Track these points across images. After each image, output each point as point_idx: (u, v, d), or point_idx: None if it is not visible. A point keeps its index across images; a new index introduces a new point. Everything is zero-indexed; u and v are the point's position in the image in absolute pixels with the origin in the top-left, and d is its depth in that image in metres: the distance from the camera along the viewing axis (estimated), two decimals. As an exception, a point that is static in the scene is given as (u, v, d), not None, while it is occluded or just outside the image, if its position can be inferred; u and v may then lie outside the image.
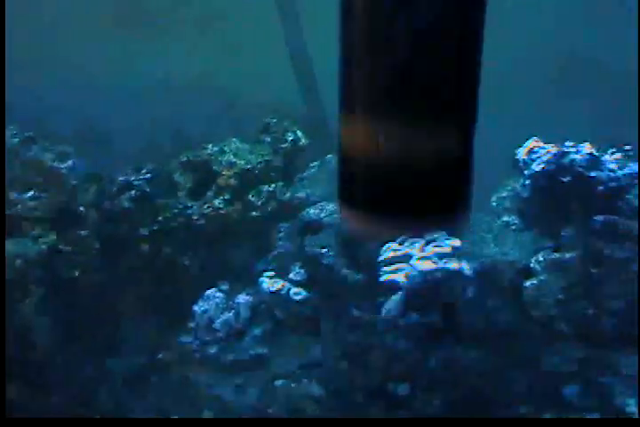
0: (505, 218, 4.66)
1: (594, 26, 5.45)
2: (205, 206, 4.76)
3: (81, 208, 4.77)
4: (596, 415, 4.03)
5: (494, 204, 4.81)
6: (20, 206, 4.60)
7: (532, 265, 4.16)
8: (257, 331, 4.58)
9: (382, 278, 3.98)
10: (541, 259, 4.15)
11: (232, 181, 4.79)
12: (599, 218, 4.09)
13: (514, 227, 4.56)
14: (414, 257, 3.93)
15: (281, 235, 4.72)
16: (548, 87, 5.71)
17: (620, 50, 5.45)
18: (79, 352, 4.79)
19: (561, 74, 5.70)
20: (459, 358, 4.34)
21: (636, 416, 3.97)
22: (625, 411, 4.00)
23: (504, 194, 4.80)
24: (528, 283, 4.14)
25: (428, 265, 3.89)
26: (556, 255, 4.15)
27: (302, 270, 4.49)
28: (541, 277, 4.13)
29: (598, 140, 4.40)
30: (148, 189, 4.85)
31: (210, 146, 4.95)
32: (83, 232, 4.72)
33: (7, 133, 4.67)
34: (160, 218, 4.77)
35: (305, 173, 4.89)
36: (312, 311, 4.49)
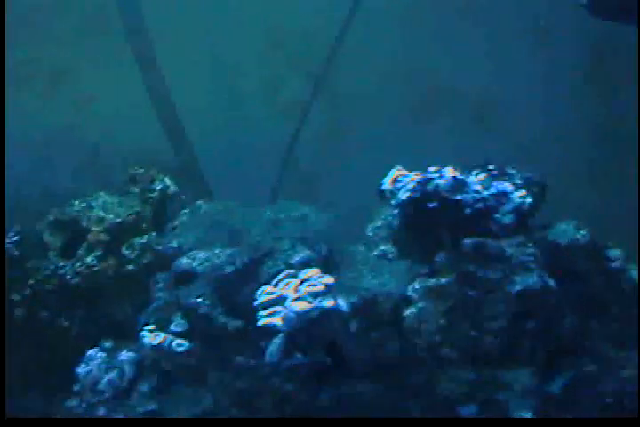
0: (382, 247, 4.66)
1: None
2: (78, 265, 4.65)
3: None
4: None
5: (370, 234, 4.80)
6: None
7: (408, 293, 4.16)
8: (144, 387, 4.47)
9: (259, 323, 3.92)
10: (417, 286, 4.15)
11: (103, 237, 4.70)
12: (468, 241, 4.12)
13: (390, 256, 4.56)
14: (289, 299, 3.88)
15: (159, 286, 4.64)
16: (407, 115, 5.77)
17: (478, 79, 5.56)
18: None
19: (420, 102, 5.76)
20: (350, 394, 4.31)
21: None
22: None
23: (379, 223, 4.81)
24: (407, 312, 4.13)
25: (302, 305, 3.86)
26: (432, 281, 4.15)
27: (183, 321, 4.41)
28: (420, 305, 4.12)
29: (461, 164, 4.45)
30: (17, 253, 4.72)
31: (77, 202, 4.84)
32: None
33: None
34: (32, 281, 4.64)
35: (176, 222, 4.82)
36: (197, 362, 4.41)
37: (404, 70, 5.62)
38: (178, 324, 4.41)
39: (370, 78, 5.63)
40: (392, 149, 5.57)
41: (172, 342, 4.37)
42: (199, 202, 4.91)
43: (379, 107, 5.62)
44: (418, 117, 5.72)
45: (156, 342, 4.37)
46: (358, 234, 4.86)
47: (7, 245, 4.69)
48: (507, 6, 5.78)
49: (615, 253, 4.42)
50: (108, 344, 4.63)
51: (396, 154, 5.16)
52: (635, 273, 4.44)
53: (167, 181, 5.01)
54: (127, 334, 4.67)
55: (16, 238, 4.75)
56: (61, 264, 4.68)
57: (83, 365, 4.49)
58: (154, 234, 4.80)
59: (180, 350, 4.34)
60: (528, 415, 4.03)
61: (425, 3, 5.63)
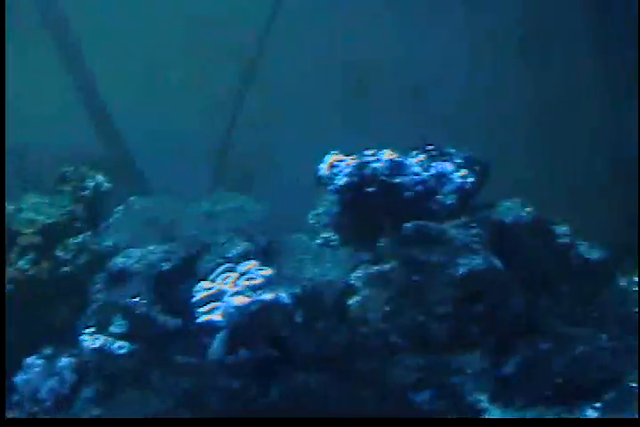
0: (324, 235, 4.54)
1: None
2: (11, 270, 4.49)
3: None
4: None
5: (312, 221, 4.69)
6: None
7: (352, 282, 4.06)
8: (87, 393, 4.33)
9: (199, 320, 3.80)
10: (360, 274, 4.06)
11: (35, 239, 4.53)
12: (409, 225, 4.02)
13: (332, 244, 4.45)
14: (227, 293, 3.77)
15: (97, 287, 4.49)
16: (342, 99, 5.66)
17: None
18: None
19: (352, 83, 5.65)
20: (300, 386, 4.21)
21: (489, 412, 3.93)
22: (479, 407, 3.95)
23: (320, 210, 4.69)
24: (352, 300, 4.03)
25: (242, 300, 3.74)
26: (375, 268, 4.06)
27: (123, 322, 4.27)
28: (364, 293, 4.02)
29: (400, 145, 4.35)
30: (-56, 261, 4.54)
31: (6, 205, 4.67)
32: None
33: None
34: (-37, 289, 4.47)
35: (110, 220, 4.68)
36: (140, 363, 4.27)
37: (330, 56, 5.50)
38: (117, 325, 4.27)
39: (299, 65, 5.50)
40: (328, 136, 5.47)
41: (112, 344, 4.22)
42: (133, 198, 4.76)
43: (311, 93, 5.50)
44: (349, 101, 5.61)
45: (96, 345, 4.22)
46: (300, 222, 4.75)
47: None
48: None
49: (563, 229, 4.36)
50: (48, 351, 4.48)
51: (333, 140, 5.08)
52: (583, 248, 4.38)
53: (99, 177, 4.85)
54: (67, 339, 4.52)
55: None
56: (-7, 270, 4.51)
57: (21, 373, 4.34)
58: (89, 233, 4.65)
59: (121, 352, 4.20)
60: (484, 398, 3.96)
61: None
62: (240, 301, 3.73)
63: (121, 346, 4.22)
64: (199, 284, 3.90)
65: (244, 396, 4.11)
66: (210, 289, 3.83)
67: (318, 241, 4.53)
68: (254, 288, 3.79)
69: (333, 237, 4.48)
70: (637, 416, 3.68)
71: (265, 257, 4.14)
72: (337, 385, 4.12)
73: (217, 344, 3.89)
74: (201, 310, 3.81)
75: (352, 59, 5.54)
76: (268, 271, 3.87)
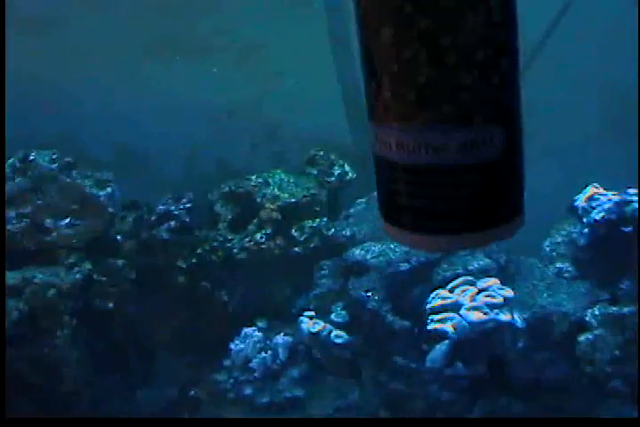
0: (558, 264, 4.44)
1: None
2: (246, 240, 4.59)
3: (118, 237, 4.63)
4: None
5: (547, 249, 4.59)
6: (55, 234, 4.46)
7: (587, 318, 3.95)
8: (294, 372, 4.40)
9: (429, 327, 3.78)
10: (597, 312, 3.95)
11: (275, 215, 4.62)
12: (661, 272, 3.89)
13: (567, 275, 4.34)
14: (464, 306, 3.73)
15: (323, 273, 4.54)
16: (598, 127, 5.48)
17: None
18: (109, 385, 4.65)
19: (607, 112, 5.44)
20: (504, 411, 4.15)
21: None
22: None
23: (558, 239, 4.58)
24: (582, 337, 3.93)
25: (478, 315, 3.70)
26: (614, 309, 3.94)
27: (344, 312, 4.31)
28: (596, 332, 3.92)
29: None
30: (187, 220, 4.69)
31: (253, 177, 4.77)
32: (119, 262, 4.58)
33: (46, 158, 4.54)
34: (199, 251, 4.61)
35: (351, 210, 4.70)
36: (352, 355, 4.31)
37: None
38: (339, 314, 4.31)
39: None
40: (581, 163, 5.32)
41: (330, 331, 4.27)
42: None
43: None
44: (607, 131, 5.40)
45: (314, 329, 4.28)
46: (532, 246, 4.65)
47: (179, 211, 4.67)
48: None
49: None
50: (262, 324, 4.58)
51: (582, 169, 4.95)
52: None
53: (346, 167, 4.89)
54: (282, 317, 4.61)
55: (188, 205, 4.72)
56: (230, 237, 4.63)
57: (237, 341, 4.45)
58: (325, 219, 4.70)
59: (338, 341, 4.24)
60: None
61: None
62: (477, 316, 3.69)
63: (338, 335, 4.26)
64: (436, 291, 3.87)
65: (449, 409, 4.09)
66: (446, 298, 3.80)
67: (552, 269, 4.43)
68: (492, 306, 3.73)
69: (568, 268, 4.37)
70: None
71: (502, 275, 4.08)
72: (537, 417, 4.05)
73: (438, 354, 3.86)
74: (434, 317, 3.78)
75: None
76: (508, 291, 3.81)
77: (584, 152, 5.46)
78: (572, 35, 5.33)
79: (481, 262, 4.09)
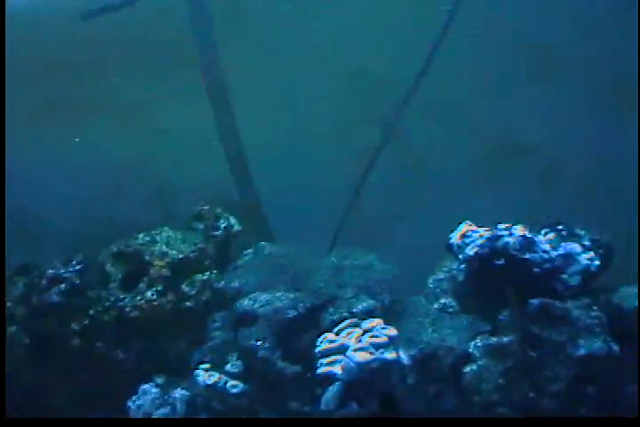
0: (442, 300, 4.61)
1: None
2: (138, 298, 4.65)
3: (8, 304, 4.64)
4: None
5: (431, 286, 4.76)
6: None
7: (470, 350, 4.12)
8: (194, 425, 4.44)
9: (319, 371, 3.89)
10: (480, 344, 4.11)
11: (164, 272, 4.70)
12: (535, 301, 4.08)
13: (451, 309, 4.52)
14: (350, 348, 3.86)
15: (216, 325, 4.62)
16: (476, 169, 5.73)
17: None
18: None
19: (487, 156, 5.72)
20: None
21: None
22: None
23: (441, 276, 4.76)
24: (468, 368, 4.09)
25: (364, 356, 3.83)
26: (494, 340, 4.11)
27: (238, 362, 4.39)
28: (480, 363, 4.08)
29: (530, 222, 4.41)
30: (77, 282, 4.73)
31: (141, 235, 4.86)
32: (12, 328, 4.60)
33: None
34: (91, 312, 4.65)
35: (239, 262, 4.82)
36: (250, 404, 4.38)
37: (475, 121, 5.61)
38: (234, 365, 4.39)
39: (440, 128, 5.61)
40: (461, 201, 5.56)
41: (226, 382, 4.34)
42: (263, 243, 4.90)
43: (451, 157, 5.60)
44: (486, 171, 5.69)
45: (210, 381, 4.35)
46: (417, 284, 4.82)
47: (69, 274, 4.71)
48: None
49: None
50: (160, 380, 4.61)
51: (467, 206, 5.17)
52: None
53: (232, 219, 5.01)
54: (179, 371, 4.65)
55: (78, 267, 4.77)
56: (122, 296, 4.68)
57: (135, 398, 4.48)
58: (215, 272, 4.80)
59: (234, 391, 4.31)
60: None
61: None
62: (363, 357, 3.81)
63: (234, 385, 4.34)
64: (323, 335, 3.99)
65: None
66: (334, 342, 3.92)
67: (436, 306, 4.59)
68: (377, 346, 3.87)
69: (452, 303, 4.55)
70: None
71: (387, 315, 4.23)
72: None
73: (331, 396, 3.96)
74: (322, 360, 3.89)
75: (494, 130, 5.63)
76: (391, 330, 3.95)
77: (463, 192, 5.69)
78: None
79: (364, 304, 4.24)
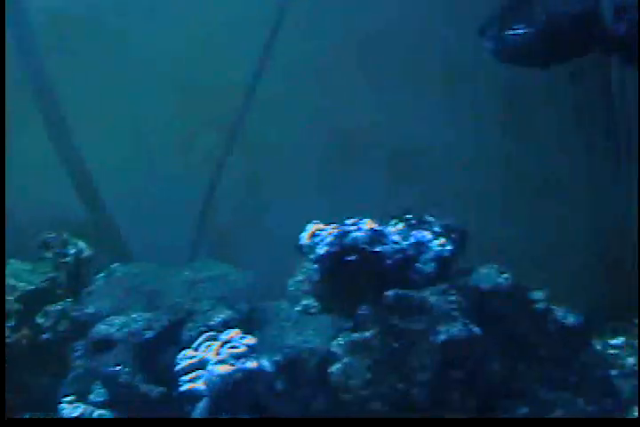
0: (304, 302, 4.60)
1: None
2: (-10, 336, 4.49)
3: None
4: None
5: (292, 288, 4.74)
6: None
7: (333, 349, 4.10)
8: (66, 461, 4.31)
9: (182, 389, 3.83)
10: (342, 342, 4.10)
11: (16, 306, 4.56)
12: (390, 293, 4.09)
13: (313, 310, 4.51)
14: (210, 362, 3.80)
15: (77, 355, 4.49)
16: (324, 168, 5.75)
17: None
18: None
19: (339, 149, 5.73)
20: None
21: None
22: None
23: (300, 277, 4.75)
24: (333, 368, 4.07)
25: (225, 368, 3.78)
26: (356, 336, 4.11)
27: (102, 390, 4.27)
28: (345, 360, 4.06)
29: (380, 214, 4.43)
30: None
31: (-13, 272, 4.69)
32: None
33: None
34: (-58, 357, 4.46)
35: (92, 287, 4.70)
36: (120, 432, 4.27)
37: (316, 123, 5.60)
38: (98, 393, 4.27)
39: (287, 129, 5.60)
40: (311, 202, 5.55)
41: (92, 412, 4.23)
42: (114, 265, 4.79)
43: (296, 158, 5.58)
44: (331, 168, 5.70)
45: (75, 413, 4.23)
46: (281, 289, 4.79)
47: None
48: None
49: (538, 294, 4.43)
50: (26, 417, 4.47)
51: (315, 207, 5.18)
52: (559, 313, 4.45)
53: (81, 244, 4.89)
54: (45, 407, 4.51)
55: None
56: (-28, 338, 4.51)
57: (0, 441, 4.31)
58: (70, 300, 4.68)
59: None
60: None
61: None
62: (223, 369, 3.77)
63: (101, 414, 4.22)
64: (182, 352, 3.93)
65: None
66: (193, 357, 3.86)
67: (298, 308, 4.58)
68: (237, 356, 3.82)
69: (313, 305, 4.54)
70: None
71: (247, 324, 4.19)
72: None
73: (199, 412, 3.90)
74: (184, 378, 3.83)
75: (337, 126, 5.64)
76: (250, 340, 3.92)
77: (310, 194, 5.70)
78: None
79: (222, 316, 4.19)
